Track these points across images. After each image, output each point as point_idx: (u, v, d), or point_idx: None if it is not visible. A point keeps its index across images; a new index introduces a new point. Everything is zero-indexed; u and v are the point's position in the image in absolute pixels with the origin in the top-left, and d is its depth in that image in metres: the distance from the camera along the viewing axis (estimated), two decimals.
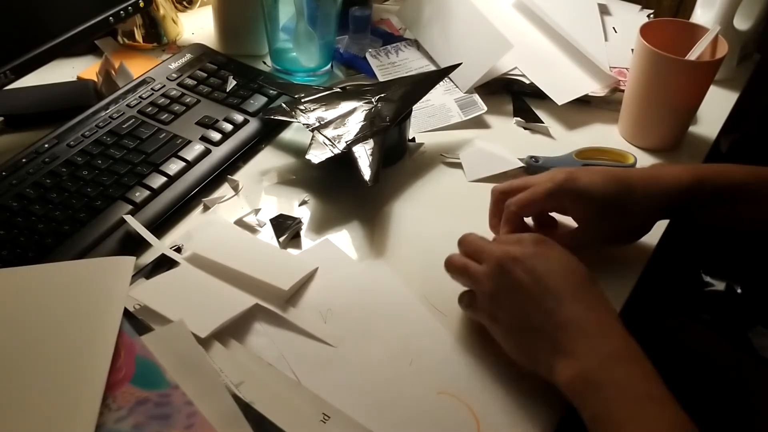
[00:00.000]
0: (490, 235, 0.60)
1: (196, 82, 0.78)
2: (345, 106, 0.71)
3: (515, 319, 0.49)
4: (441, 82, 0.80)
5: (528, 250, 0.49)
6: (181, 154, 0.68)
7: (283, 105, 0.73)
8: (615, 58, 0.86)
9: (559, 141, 0.78)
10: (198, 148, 0.69)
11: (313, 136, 0.68)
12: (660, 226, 0.64)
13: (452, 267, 0.54)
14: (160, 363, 0.49)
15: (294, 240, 0.63)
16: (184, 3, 0.98)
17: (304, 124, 0.69)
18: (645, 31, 0.73)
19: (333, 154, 0.66)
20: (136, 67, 0.82)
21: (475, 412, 0.50)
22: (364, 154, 0.65)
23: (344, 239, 0.63)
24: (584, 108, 0.82)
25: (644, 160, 0.76)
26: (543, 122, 0.80)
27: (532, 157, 0.73)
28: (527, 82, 0.83)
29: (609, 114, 0.82)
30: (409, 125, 0.73)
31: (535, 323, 0.47)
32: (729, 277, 1.07)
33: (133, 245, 0.60)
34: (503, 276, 0.49)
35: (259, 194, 0.68)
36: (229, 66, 0.81)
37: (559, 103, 0.80)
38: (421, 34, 0.90)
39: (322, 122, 0.69)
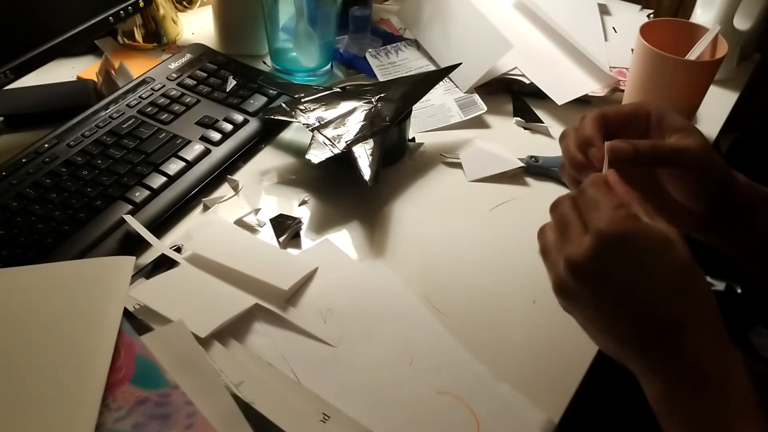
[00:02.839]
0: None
1: (196, 82, 0.78)
2: (345, 106, 0.71)
3: (594, 330, 0.43)
4: (441, 82, 0.80)
5: (607, 255, 0.39)
6: (181, 154, 0.68)
7: (283, 105, 0.73)
8: (615, 58, 0.86)
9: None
10: (198, 148, 0.69)
11: (313, 136, 0.68)
12: None
13: (554, 214, 0.43)
14: (160, 363, 0.49)
15: (294, 240, 0.63)
16: (184, 3, 0.98)
17: (304, 124, 0.69)
18: (645, 31, 0.73)
19: (333, 154, 0.66)
20: (136, 67, 0.82)
21: (475, 412, 0.50)
22: (364, 154, 0.65)
23: (344, 239, 0.63)
24: (584, 108, 0.82)
25: None
26: (543, 122, 0.80)
27: (532, 157, 0.73)
28: (527, 82, 0.83)
29: None
30: (409, 125, 0.73)
31: (619, 341, 0.42)
32: (729, 277, 1.07)
33: (133, 245, 0.60)
34: (576, 289, 0.41)
35: (259, 194, 0.68)
36: (229, 66, 0.81)
37: (559, 103, 0.80)
38: (421, 34, 0.90)
39: (322, 122, 0.69)
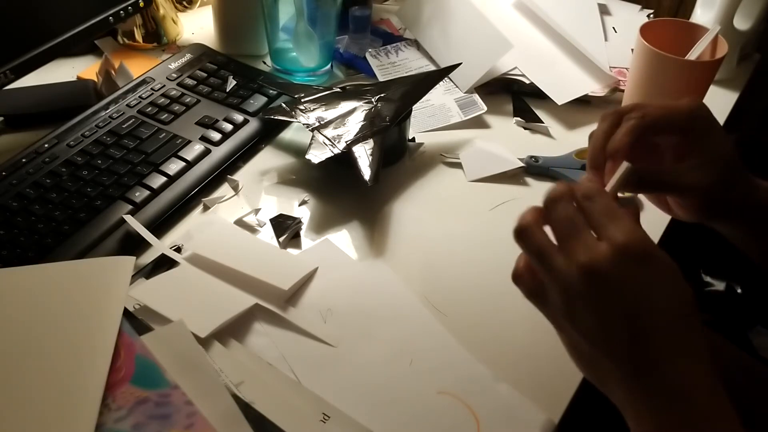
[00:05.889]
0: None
1: (196, 82, 0.78)
2: (345, 106, 0.71)
3: (589, 347, 0.41)
4: (441, 82, 0.80)
5: (625, 269, 0.38)
6: (181, 154, 0.68)
7: (283, 105, 0.73)
8: (615, 58, 0.86)
9: (559, 141, 0.78)
10: (198, 148, 0.69)
11: (313, 136, 0.68)
12: (660, 226, 0.64)
13: (529, 242, 0.41)
14: (160, 363, 0.49)
15: (294, 240, 0.63)
16: (184, 3, 0.98)
17: (304, 124, 0.69)
18: (645, 31, 0.73)
19: (333, 154, 0.66)
20: (136, 67, 0.82)
21: (475, 412, 0.50)
22: (364, 154, 0.65)
23: (344, 239, 0.63)
24: (584, 108, 0.82)
25: None
26: (543, 122, 0.80)
27: (532, 157, 0.73)
28: (527, 82, 0.83)
29: None
30: (409, 125, 0.73)
31: (615, 360, 0.40)
32: (729, 277, 1.07)
33: (133, 245, 0.60)
34: (586, 296, 0.39)
35: (259, 194, 0.68)
36: (229, 66, 0.81)
37: (559, 103, 0.80)
38: (421, 34, 0.90)
39: (322, 122, 0.69)
